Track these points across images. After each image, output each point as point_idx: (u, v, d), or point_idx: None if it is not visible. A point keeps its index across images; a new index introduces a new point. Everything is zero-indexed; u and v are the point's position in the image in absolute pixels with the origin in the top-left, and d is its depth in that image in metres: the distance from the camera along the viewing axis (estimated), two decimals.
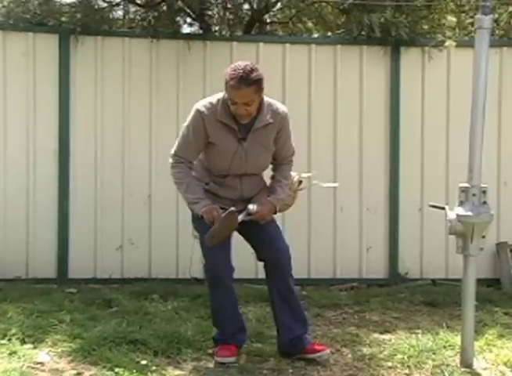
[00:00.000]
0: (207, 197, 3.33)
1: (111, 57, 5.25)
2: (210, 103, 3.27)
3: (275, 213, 3.41)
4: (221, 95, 3.27)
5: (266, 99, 3.31)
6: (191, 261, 3.40)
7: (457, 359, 3.32)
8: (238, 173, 3.33)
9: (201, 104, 3.29)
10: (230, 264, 3.36)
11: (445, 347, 3.55)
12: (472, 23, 6.24)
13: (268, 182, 3.52)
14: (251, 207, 3.27)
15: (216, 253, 3.29)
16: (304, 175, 3.74)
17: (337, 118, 5.39)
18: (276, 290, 3.41)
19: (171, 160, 3.42)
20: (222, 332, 3.41)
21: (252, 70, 3.12)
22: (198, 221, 3.37)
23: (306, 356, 3.36)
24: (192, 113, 3.32)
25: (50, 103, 5.17)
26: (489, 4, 3.19)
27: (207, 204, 3.27)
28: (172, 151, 3.41)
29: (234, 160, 3.29)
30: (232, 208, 3.17)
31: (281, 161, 3.48)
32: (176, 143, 3.40)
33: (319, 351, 3.37)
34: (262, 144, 3.32)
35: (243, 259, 3.85)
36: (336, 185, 4.58)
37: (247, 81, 3.09)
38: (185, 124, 3.36)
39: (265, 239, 3.40)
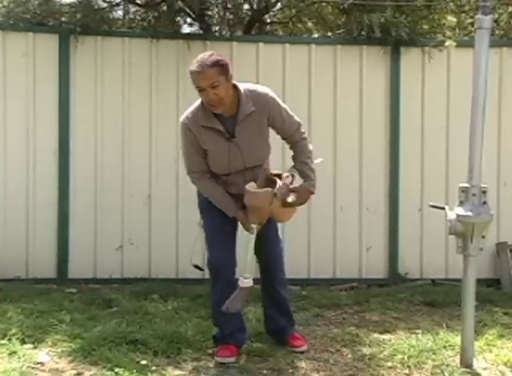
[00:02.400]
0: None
1: (111, 57, 5.25)
2: (191, 112, 3.29)
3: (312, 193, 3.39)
4: (198, 101, 3.27)
5: (243, 86, 3.27)
6: (193, 250, 3.42)
7: (457, 360, 3.32)
8: (239, 169, 3.32)
9: (184, 117, 3.32)
10: (234, 258, 3.38)
11: (445, 347, 3.55)
12: (472, 23, 6.24)
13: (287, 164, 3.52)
14: (290, 199, 3.26)
15: (220, 246, 3.34)
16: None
17: (336, 118, 5.38)
18: (265, 288, 3.60)
19: (190, 179, 3.44)
20: (222, 331, 3.43)
21: (212, 55, 3.15)
22: (205, 211, 3.44)
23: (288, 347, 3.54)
24: (179, 129, 3.35)
25: (50, 103, 5.17)
26: (489, 4, 3.19)
27: (235, 208, 3.32)
28: (186, 170, 3.43)
29: (230, 159, 3.28)
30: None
31: (292, 139, 3.40)
32: (184, 162, 3.43)
33: (295, 346, 3.53)
34: (253, 134, 3.28)
35: None
36: (321, 159, 4.40)
37: (208, 62, 3.10)
38: (181, 141, 3.41)
39: (264, 244, 3.42)
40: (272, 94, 3.32)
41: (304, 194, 3.34)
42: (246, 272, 3.25)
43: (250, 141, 3.28)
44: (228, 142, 3.26)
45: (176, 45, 5.28)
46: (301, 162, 3.41)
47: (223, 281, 3.35)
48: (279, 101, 3.36)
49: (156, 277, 5.16)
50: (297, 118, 3.43)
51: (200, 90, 3.14)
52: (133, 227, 5.25)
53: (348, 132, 5.39)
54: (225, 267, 3.35)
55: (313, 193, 3.39)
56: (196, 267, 3.62)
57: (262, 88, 3.34)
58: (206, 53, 3.18)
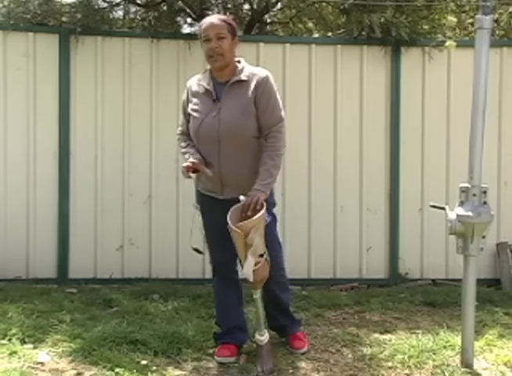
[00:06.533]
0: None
1: (111, 57, 5.25)
2: (198, 75, 3.50)
3: (266, 199, 3.18)
4: (208, 67, 3.43)
5: (246, 64, 3.39)
6: (191, 233, 3.31)
7: (457, 360, 3.32)
8: (213, 136, 3.23)
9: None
10: (234, 259, 3.37)
11: (445, 347, 3.55)
12: (472, 23, 6.26)
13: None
14: (242, 197, 3.15)
15: (219, 250, 3.39)
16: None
17: (337, 118, 5.38)
18: (265, 289, 3.44)
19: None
20: (222, 328, 3.47)
21: (224, 15, 3.44)
22: (202, 210, 3.46)
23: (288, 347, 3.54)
24: None
25: (50, 103, 5.17)
26: (490, 4, 3.19)
27: (190, 158, 3.26)
28: None
29: (206, 119, 3.27)
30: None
31: (265, 131, 3.28)
32: None
33: (295, 348, 3.51)
34: (237, 102, 3.25)
35: None
36: None
37: (220, 17, 3.38)
38: None
39: None
40: (269, 79, 3.30)
41: (254, 194, 3.15)
42: (260, 328, 3.28)
43: (231, 107, 3.25)
44: (212, 103, 3.31)
45: (176, 45, 5.28)
46: (263, 162, 3.24)
47: (222, 274, 3.48)
48: (275, 90, 3.31)
49: (156, 277, 5.17)
50: (282, 114, 3.33)
51: (207, 40, 3.28)
52: (133, 227, 5.25)
53: (348, 132, 5.38)
54: (225, 266, 3.46)
55: (265, 196, 3.16)
56: (196, 250, 3.54)
57: (262, 70, 3.36)
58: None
